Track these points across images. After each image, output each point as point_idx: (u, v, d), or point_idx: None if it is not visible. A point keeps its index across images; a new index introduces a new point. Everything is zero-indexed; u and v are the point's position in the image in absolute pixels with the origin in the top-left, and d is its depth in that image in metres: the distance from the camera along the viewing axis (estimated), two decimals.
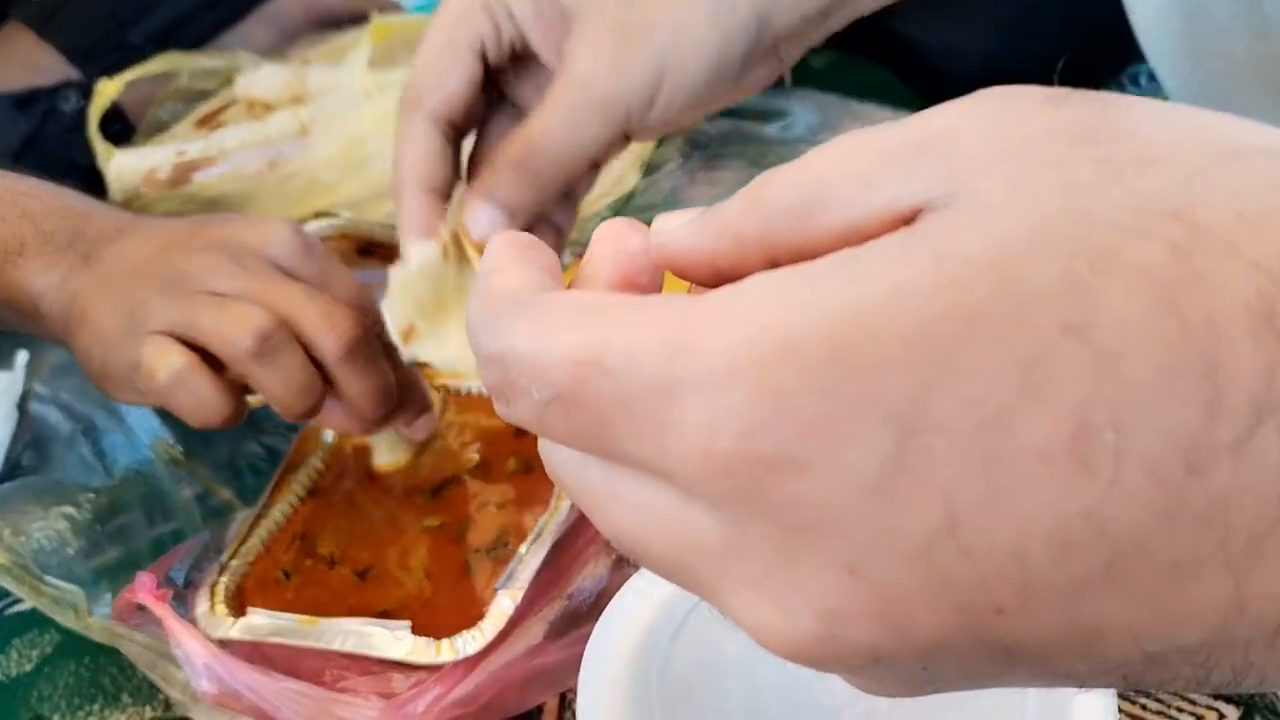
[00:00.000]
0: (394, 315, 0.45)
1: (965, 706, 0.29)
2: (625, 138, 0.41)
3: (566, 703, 0.51)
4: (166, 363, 0.45)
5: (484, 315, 0.19)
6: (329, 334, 0.45)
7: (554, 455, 0.20)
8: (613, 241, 0.20)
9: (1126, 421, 0.14)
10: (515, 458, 0.57)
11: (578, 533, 0.52)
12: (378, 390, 0.48)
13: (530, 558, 0.50)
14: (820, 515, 0.15)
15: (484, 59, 0.41)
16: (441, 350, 0.45)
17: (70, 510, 0.64)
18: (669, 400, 0.16)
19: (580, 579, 0.49)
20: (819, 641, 0.16)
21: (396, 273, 0.43)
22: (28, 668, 0.59)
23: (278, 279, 0.46)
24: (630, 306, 0.17)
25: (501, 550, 0.53)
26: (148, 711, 0.54)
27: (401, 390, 0.50)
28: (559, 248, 0.47)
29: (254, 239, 0.47)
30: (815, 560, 0.16)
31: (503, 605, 0.48)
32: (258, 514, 0.56)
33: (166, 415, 0.69)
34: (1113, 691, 0.29)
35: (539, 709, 0.51)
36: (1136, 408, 0.14)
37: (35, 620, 0.62)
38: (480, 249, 0.40)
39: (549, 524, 0.51)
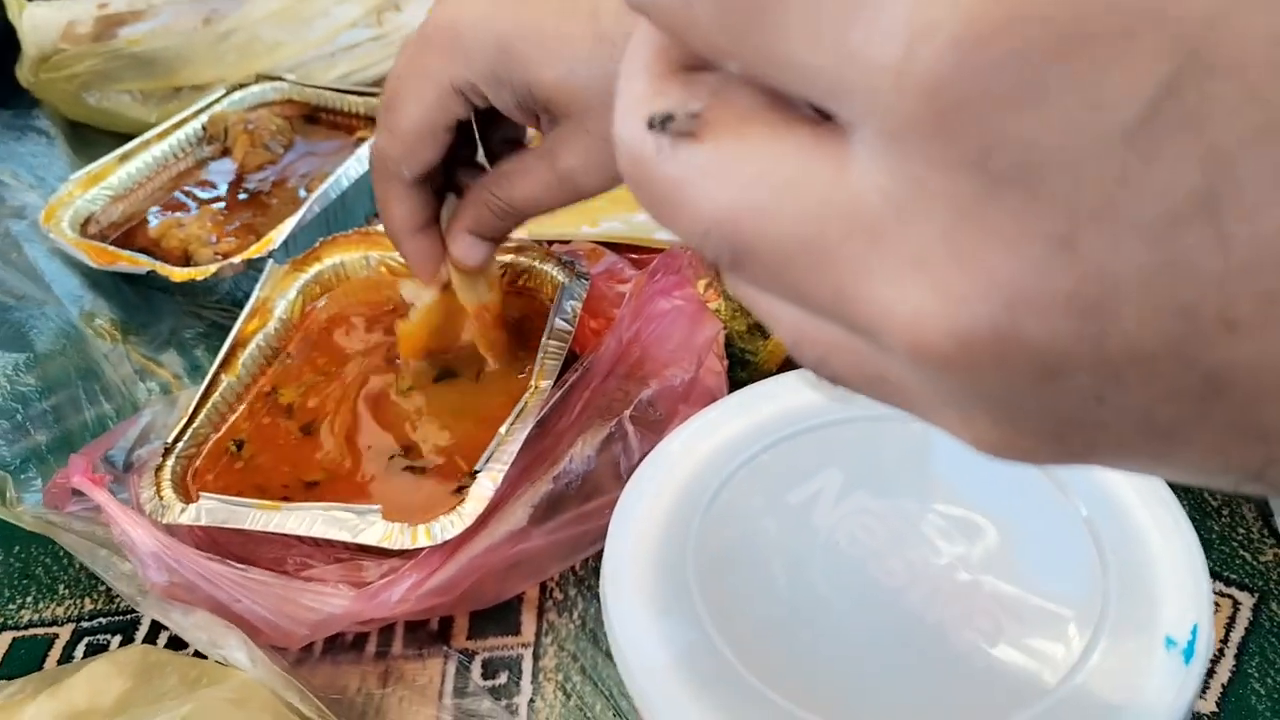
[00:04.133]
0: (410, 342, 0.53)
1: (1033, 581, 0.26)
2: None
3: (548, 592, 0.48)
4: None
5: None
6: None
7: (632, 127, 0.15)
8: None
9: None
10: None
11: (561, 412, 0.48)
12: None
13: (511, 437, 0.46)
14: (1045, 161, 0.12)
15: (457, 128, 0.45)
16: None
17: None
18: None
19: (567, 460, 0.46)
20: (992, 336, 0.13)
21: (411, 316, 0.52)
22: None
23: None
24: None
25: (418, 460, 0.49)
26: (87, 604, 0.50)
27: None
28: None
29: None
30: (1018, 225, 0.12)
31: (483, 487, 0.44)
32: (204, 392, 0.51)
33: (99, 287, 0.63)
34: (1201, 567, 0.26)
35: (519, 599, 0.48)
36: None
37: None
38: (464, 270, 0.49)
39: (531, 402, 0.47)
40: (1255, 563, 0.45)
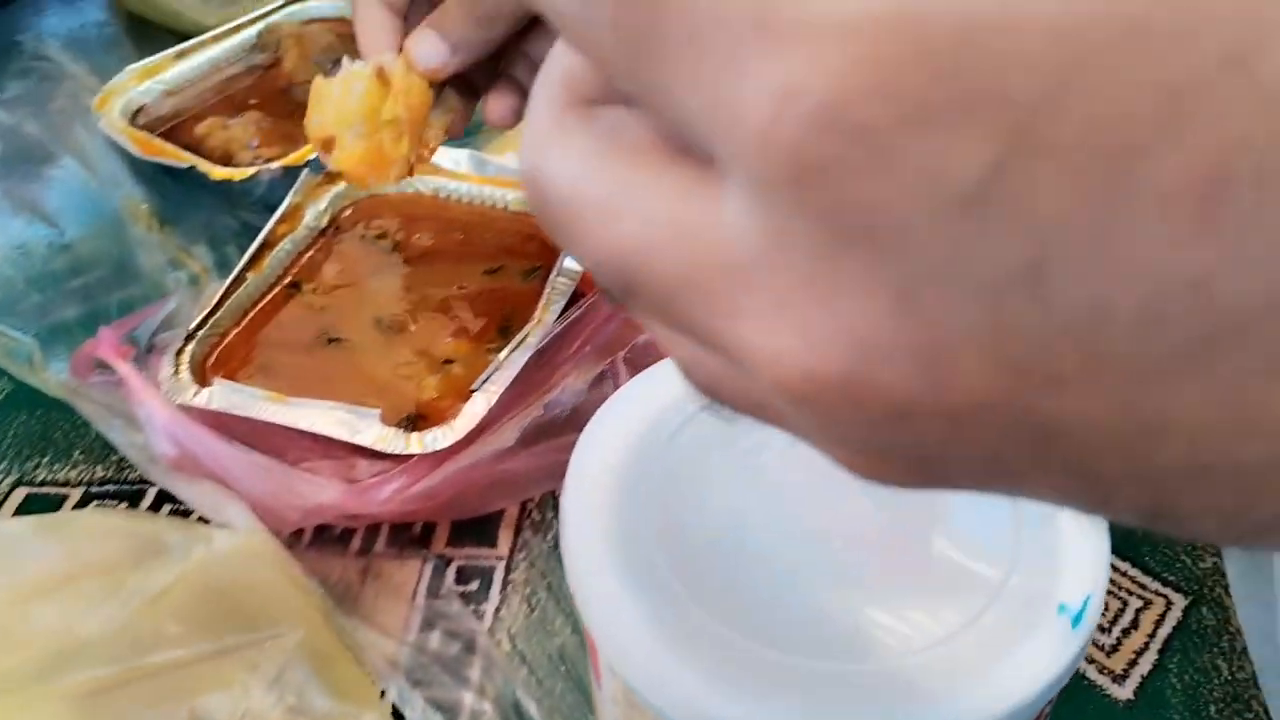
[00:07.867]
0: (316, 122, 0.45)
1: (951, 542, 0.29)
2: None
3: (527, 512, 0.51)
4: None
5: None
6: None
7: (550, 159, 0.16)
8: None
9: (1272, 177, 0.11)
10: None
11: (560, 346, 0.51)
12: None
13: (510, 363, 0.48)
14: (889, 223, 0.12)
15: None
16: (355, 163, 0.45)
17: (23, 262, 0.62)
18: (753, 41, 0.13)
19: (559, 390, 0.48)
20: (843, 379, 0.13)
21: (325, 82, 0.44)
22: None
23: None
24: None
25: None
26: (99, 470, 0.53)
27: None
28: (520, 111, 0.47)
29: None
30: (866, 279, 0.13)
31: (476, 405, 0.47)
32: (229, 285, 0.54)
33: (142, 175, 0.66)
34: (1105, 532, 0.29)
35: (499, 514, 0.51)
36: None
37: None
38: (426, 73, 0.44)
39: (532, 332, 0.50)
40: (1194, 568, 0.47)
